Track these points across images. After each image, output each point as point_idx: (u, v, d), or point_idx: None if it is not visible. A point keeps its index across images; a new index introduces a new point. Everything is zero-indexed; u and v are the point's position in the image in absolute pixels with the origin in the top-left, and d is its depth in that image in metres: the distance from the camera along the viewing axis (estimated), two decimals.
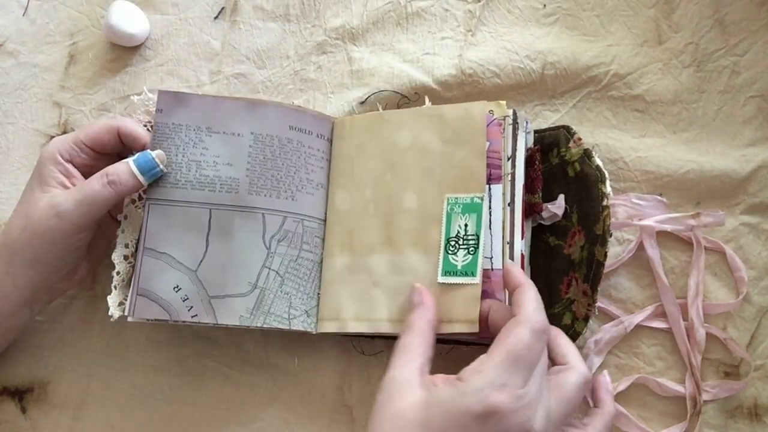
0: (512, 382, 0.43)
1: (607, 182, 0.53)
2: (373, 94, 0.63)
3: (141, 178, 0.54)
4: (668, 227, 0.57)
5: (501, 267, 0.53)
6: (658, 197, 0.57)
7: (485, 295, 0.52)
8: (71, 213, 0.53)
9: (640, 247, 0.58)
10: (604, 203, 0.52)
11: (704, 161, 0.59)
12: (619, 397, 0.56)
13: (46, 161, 0.55)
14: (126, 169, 0.54)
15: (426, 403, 0.44)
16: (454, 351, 0.58)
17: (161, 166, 0.55)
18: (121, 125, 0.56)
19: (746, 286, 0.57)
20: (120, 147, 0.57)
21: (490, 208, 0.54)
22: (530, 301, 0.47)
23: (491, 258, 0.53)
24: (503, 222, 0.53)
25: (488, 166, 0.54)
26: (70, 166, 0.55)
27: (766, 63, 0.61)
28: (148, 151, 0.55)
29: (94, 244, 0.58)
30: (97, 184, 0.53)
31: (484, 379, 0.43)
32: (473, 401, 0.43)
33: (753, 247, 0.58)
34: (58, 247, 0.54)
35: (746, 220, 0.58)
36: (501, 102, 0.55)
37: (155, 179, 0.56)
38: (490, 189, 0.54)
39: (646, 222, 0.57)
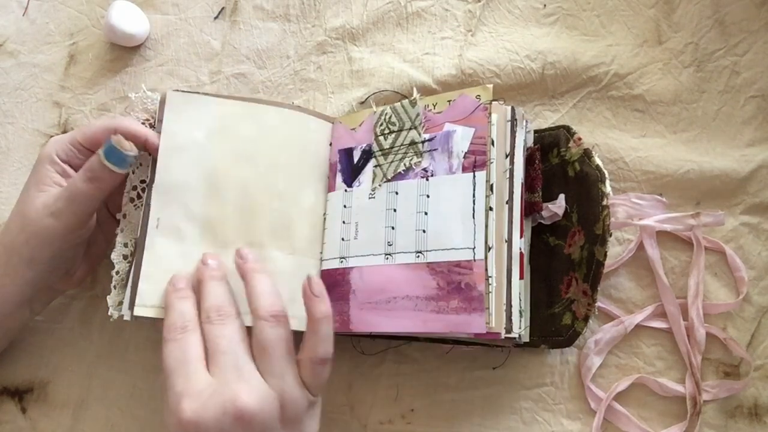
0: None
1: (607, 182, 0.53)
2: (373, 94, 0.63)
3: (114, 168, 0.53)
4: (668, 227, 0.57)
5: (483, 258, 0.51)
6: (658, 197, 0.57)
7: (467, 287, 0.51)
8: (63, 211, 0.53)
9: (640, 247, 0.58)
10: (604, 203, 0.52)
11: (704, 161, 0.59)
12: (619, 397, 0.57)
13: (43, 161, 0.55)
14: (97, 161, 0.53)
15: None
16: (454, 351, 0.59)
17: (128, 152, 0.53)
18: (119, 125, 0.55)
19: (746, 286, 0.57)
20: None
21: (474, 196, 0.52)
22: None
23: (474, 248, 0.52)
24: (486, 211, 0.52)
25: (472, 152, 0.53)
26: (67, 167, 0.55)
27: (766, 63, 0.61)
28: (111, 139, 0.53)
29: (93, 243, 0.58)
30: (79, 181, 0.53)
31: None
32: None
33: (753, 247, 0.58)
34: (55, 246, 0.54)
35: (746, 220, 0.58)
36: (488, 86, 0.54)
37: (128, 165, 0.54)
38: (474, 176, 0.53)
39: (645, 222, 0.57)
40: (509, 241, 0.52)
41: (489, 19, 0.65)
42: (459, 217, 0.52)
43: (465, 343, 0.57)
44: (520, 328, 0.52)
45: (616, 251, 0.59)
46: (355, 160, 0.58)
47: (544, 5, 0.64)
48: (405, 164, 0.56)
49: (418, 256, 0.53)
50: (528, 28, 0.64)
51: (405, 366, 0.59)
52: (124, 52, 0.69)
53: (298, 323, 0.55)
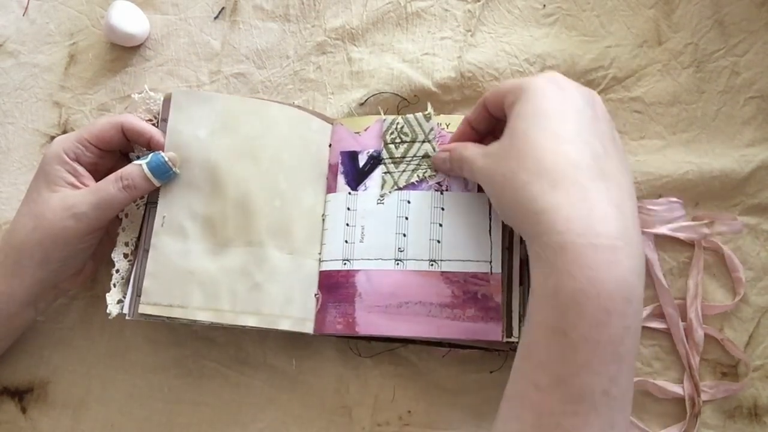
0: None
1: None
2: (373, 96, 0.63)
3: (155, 181, 0.55)
4: (682, 235, 0.57)
5: (500, 271, 0.53)
6: (672, 199, 0.57)
7: (484, 298, 0.52)
8: (88, 215, 0.53)
9: None
10: None
11: (703, 162, 0.59)
12: None
13: (52, 161, 0.55)
14: (140, 172, 0.54)
15: None
16: (450, 354, 0.59)
17: (174, 169, 0.55)
18: (125, 121, 0.56)
19: (744, 287, 0.57)
20: (124, 143, 0.57)
21: (490, 214, 0.54)
22: None
23: (490, 262, 0.53)
24: (500, 227, 0.54)
25: None
26: (77, 165, 0.55)
27: (766, 63, 0.60)
28: (161, 153, 0.55)
29: (99, 242, 0.59)
30: (112, 188, 0.54)
31: None
32: None
33: (751, 248, 0.58)
34: (71, 247, 0.54)
35: (745, 221, 0.58)
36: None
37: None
38: None
39: (658, 230, 0.57)
40: (510, 249, 0.54)
41: (488, 19, 0.64)
42: (475, 232, 0.55)
43: (462, 347, 0.57)
44: (519, 333, 0.52)
45: None
46: (361, 164, 0.59)
47: (544, 5, 0.64)
48: (418, 175, 0.57)
49: (432, 265, 0.55)
50: (527, 28, 0.64)
51: (402, 368, 0.59)
52: (124, 52, 0.70)
53: (294, 323, 0.56)
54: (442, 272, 0.54)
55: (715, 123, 0.60)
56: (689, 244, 0.58)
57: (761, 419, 0.56)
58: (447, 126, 0.57)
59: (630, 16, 0.63)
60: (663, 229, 0.57)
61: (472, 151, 0.51)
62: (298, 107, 0.60)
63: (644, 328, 0.58)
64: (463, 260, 0.54)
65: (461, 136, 0.55)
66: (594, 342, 0.40)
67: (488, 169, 0.48)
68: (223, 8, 0.69)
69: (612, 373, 0.40)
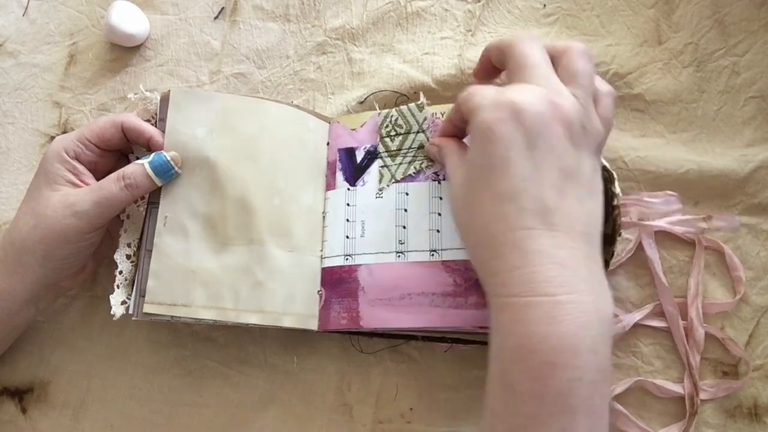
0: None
1: (617, 182, 0.53)
2: (372, 94, 0.63)
3: (157, 180, 0.55)
4: (678, 229, 0.57)
5: None
6: (670, 193, 0.57)
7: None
8: (89, 213, 0.53)
9: (639, 246, 0.58)
10: (615, 203, 0.52)
11: (703, 161, 0.59)
12: (617, 397, 0.56)
13: (53, 159, 0.55)
14: (142, 171, 0.54)
15: None
16: (452, 350, 0.59)
17: (176, 168, 0.55)
18: (125, 120, 0.56)
19: (744, 286, 0.57)
20: (124, 143, 0.57)
21: None
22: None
23: None
24: None
25: None
26: (77, 164, 0.55)
27: (766, 63, 0.60)
28: (163, 153, 0.55)
29: (100, 242, 0.59)
30: (114, 187, 0.54)
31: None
32: None
33: (751, 248, 0.58)
34: (72, 245, 0.54)
35: (745, 221, 0.58)
36: None
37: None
38: None
39: (656, 223, 0.57)
40: None
41: (489, 20, 0.65)
42: None
43: (463, 342, 0.57)
44: None
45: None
46: (358, 159, 0.59)
47: (544, 5, 0.64)
48: (415, 167, 0.57)
49: (433, 255, 0.55)
50: (528, 28, 0.64)
51: (404, 365, 0.59)
52: (124, 52, 0.70)
53: (297, 321, 0.56)
54: (443, 261, 0.54)
55: (715, 122, 0.60)
56: (690, 243, 0.58)
57: (761, 419, 0.56)
58: (442, 115, 0.57)
59: (630, 16, 0.63)
60: (661, 222, 0.57)
61: (452, 160, 0.51)
62: (296, 106, 0.60)
63: (644, 326, 0.58)
64: (463, 248, 0.54)
65: (444, 133, 0.55)
66: (539, 395, 0.40)
67: (454, 206, 0.49)
68: (223, 8, 0.69)
69: (564, 424, 0.40)
